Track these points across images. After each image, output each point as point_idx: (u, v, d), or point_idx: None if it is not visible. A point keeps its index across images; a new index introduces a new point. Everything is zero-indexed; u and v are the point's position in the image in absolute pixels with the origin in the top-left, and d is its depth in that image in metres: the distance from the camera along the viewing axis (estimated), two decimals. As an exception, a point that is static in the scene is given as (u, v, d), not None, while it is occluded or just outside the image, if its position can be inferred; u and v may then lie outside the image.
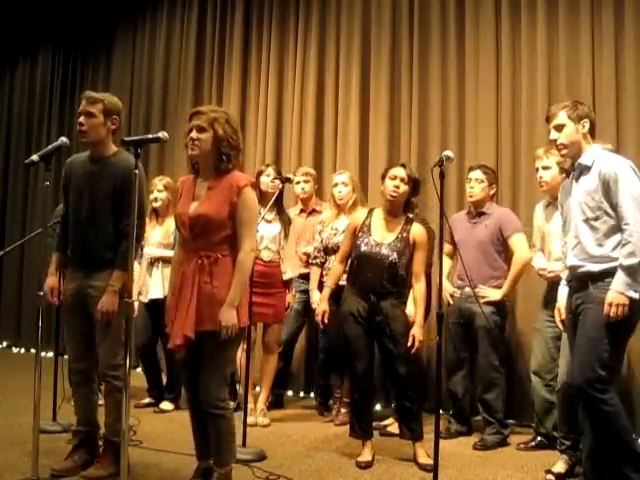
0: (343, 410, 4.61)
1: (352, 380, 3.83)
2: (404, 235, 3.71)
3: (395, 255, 3.66)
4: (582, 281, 3.00)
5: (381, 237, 3.71)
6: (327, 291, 3.89)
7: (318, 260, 4.62)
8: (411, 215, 3.82)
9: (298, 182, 4.91)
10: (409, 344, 3.60)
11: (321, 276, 4.61)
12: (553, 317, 3.54)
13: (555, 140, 3.09)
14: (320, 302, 3.94)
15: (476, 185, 4.23)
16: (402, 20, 5.51)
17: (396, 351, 3.63)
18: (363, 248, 3.70)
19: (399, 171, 3.73)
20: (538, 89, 4.80)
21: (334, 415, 4.69)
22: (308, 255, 4.73)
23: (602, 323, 2.86)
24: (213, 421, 2.89)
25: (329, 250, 4.55)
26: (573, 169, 3.09)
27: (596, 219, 2.95)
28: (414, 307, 3.74)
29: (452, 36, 5.25)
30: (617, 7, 4.61)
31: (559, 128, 3.07)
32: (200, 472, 3.02)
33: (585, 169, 3.02)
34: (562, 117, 3.06)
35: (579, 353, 2.95)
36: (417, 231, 3.73)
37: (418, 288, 3.72)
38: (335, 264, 3.95)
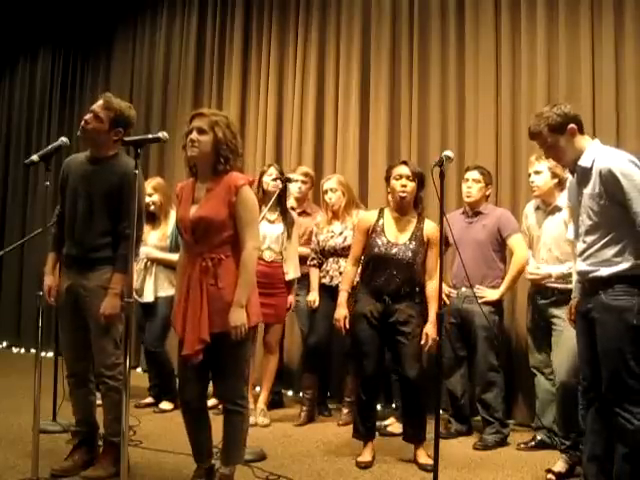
0: (345, 410, 4.62)
1: (359, 381, 3.76)
2: (418, 234, 3.69)
3: (411, 255, 3.64)
4: (593, 286, 2.90)
5: (395, 237, 3.69)
6: (344, 295, 3.79)
7: (315, 262, 4.63)
8: (420, 212, 3.78)
9: (296, 181, 4.91)
10: (422, 342, 3.58)
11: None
12: (539, 314, 3.82)
13: (550, 159, 3.08)
14: (338, 307, 3.79)
15: (474, 185, 4.24)
16: (402, 21, 5.50)
17: (408, 353, 3.60)
18: (378, 249, 3.67)
19: (403, 169, 3.71)
20: (538, 89, 4.79)
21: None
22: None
23: (621, 332, 2.78)
24: (231, 418, 2.92)
25: (326, 253, 4.57)
26: (575, 170, 2.95)
27: (601, 225, 2.83)
28: (428, 305, 3.65)
29: (452, 36, 5.25)
30: (617, 7, 4.60)
31: (550, 148, 2.94)
32: (201, 472, 3.01)
33: (586, 172, 2.86)
34: (547, 136, 2.89)
35: (606, 367, 2.83)
36: (430, 229, 3.70)
37: (431, 286, 3.64)
38: (348, 267, 3.86)
